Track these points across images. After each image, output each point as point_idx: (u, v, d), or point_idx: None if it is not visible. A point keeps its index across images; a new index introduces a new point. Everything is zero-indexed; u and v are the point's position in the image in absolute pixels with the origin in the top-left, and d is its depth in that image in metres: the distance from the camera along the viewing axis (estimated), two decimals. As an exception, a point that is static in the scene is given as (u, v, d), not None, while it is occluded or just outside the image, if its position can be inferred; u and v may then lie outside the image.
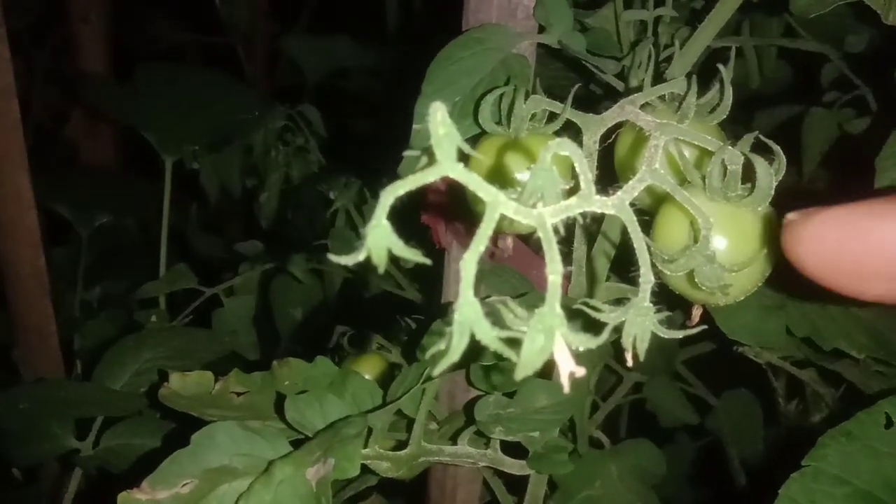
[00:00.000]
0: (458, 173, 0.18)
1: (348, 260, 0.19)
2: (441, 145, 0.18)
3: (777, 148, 0.25)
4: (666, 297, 0.29)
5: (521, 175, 0.33)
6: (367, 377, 0.43)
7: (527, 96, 0.33)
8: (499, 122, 0.34)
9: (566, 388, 0.18)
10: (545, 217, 0.19)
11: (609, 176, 0.34)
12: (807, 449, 0.35)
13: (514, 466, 0.43)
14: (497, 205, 0.18)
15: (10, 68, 0.58)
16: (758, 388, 0.68)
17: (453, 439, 0.41)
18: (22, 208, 0.61)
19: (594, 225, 0.41)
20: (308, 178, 0.82)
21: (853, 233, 0.19)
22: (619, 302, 0.42)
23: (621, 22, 0.44)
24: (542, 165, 0.20)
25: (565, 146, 0.20)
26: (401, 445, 0.39)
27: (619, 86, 0.42)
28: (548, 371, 0.46)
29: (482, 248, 0.18)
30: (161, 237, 0.72)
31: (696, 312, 0.29)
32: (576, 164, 0.20)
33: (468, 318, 0.17)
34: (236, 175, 0.84)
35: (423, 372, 0.35)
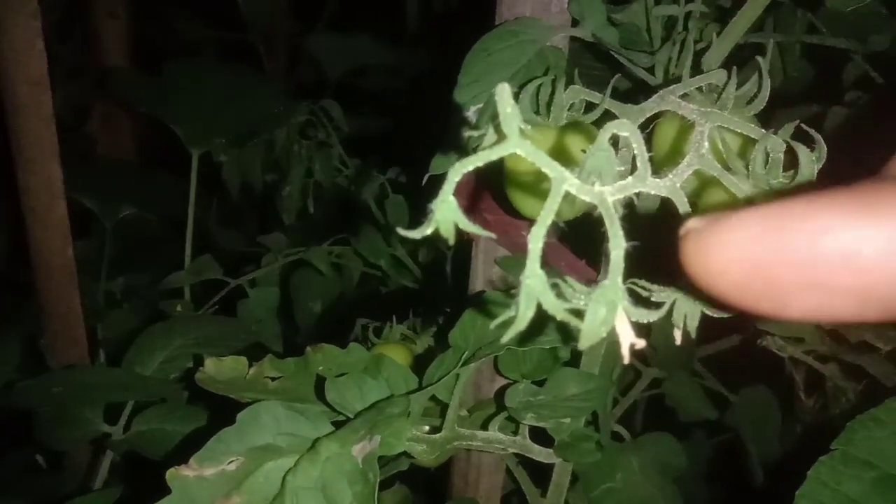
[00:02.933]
0: (526, 149, 0.18)
1: (415, 234, 0.19)
2: (508, 123, 0.18)
3: (818, 136, 0.25)
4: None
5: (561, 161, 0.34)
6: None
7: (566, 86, 0.34)
8: (537, 112, 0.35)
9: (626, 358, 0.19)
10: (606, 195, 0.19)
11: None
12: (827, 443, 0.36)
13: (542, 454, 0.44)
14: (562, 181, 0.19)
15: (44, 60, 0.60)
16: (776, 384, 0.68)
17: (483, 426, 0.42)
18: (53, 200, 0.62)
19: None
20: (329, 173, 0.83)
21: (772, 240, 0.16)
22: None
23: (651, 17, 0.45)
24: (600, 146, 0.21)
25: (624, 126, 0.20)
26: (433, 431, 0.40)
27: (651, 79, 0.43)
28: (575, 360, 0.47)
29: (549, 222, 0.18)
30: (187, 229, 0.73)
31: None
32: (633, 145, 0.21)
33: (535, 289, 0.18)
34: (258, 169, 0.85)
35: (459, 357, 0.35)
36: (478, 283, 0.50)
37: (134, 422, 0.52)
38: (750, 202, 0.24)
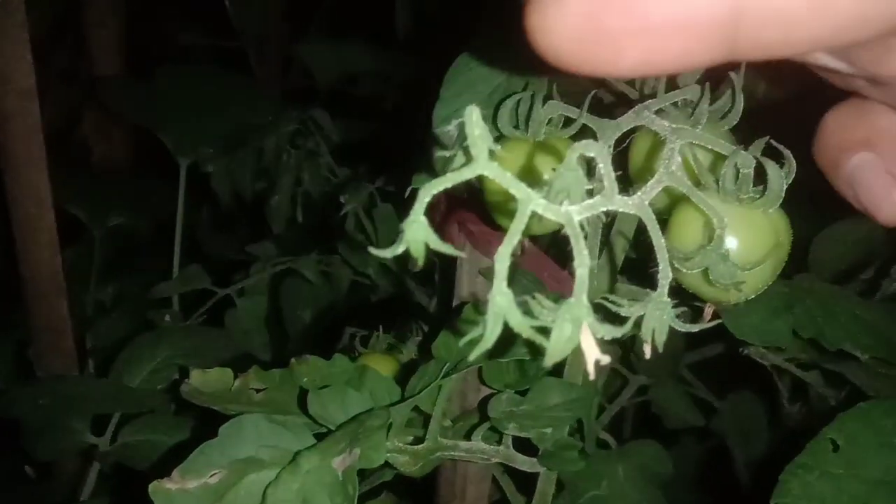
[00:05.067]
0: (493, 171, 0.19)
1: (387, 253, 0.20)
2: (476, 145, 0.19)
3: (787, 152, 0.26)
4: (680, 301, 0.31)
5: (548, 175, 0.34)
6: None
7: (544, 101, 0.34)
8: (516, 126, 0.35)
9: (592, 374, 0.19)
10: (572, 214, 0.20)
11: (621, 178, 0.35)
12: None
13: (526, 463, 0.44)
14: (528, 202, 0.19)
15: (31, 71, 0.60)
16: (762, 390, 0.69)
17: (467, 436, 0.42)
18: (41, 209, 0.62)
19: (605, 230, 0.43)
20: (319, 182, 0.83)
21: None
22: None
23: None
24: (569, 165, 0.21)
25: (591, 147, 0.21)
26: (416, 442, 0.40)
27: (631, 93, 0.43)
28: (559, 370, 0.47)
29: (515, 242, 0.19)
30: (175, 238, 0.73)
31: (708, 311, 0.30)
32: (600, 165, 0.21)
33: (502, 307, 0.18)
34: (248, 178, 0.85)
35: (441, 369, 0.36)
36: (463, 293, 0.50)
37: (121, 433, 0.52)
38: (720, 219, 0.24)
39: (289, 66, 1.20)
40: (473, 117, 0.19)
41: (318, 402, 0.34)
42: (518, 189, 0.19)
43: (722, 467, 0.73)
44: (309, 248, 0.80)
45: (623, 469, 0.56)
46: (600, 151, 0.21)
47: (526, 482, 0.51)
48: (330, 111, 0.89)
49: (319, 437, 0.33)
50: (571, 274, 0.46)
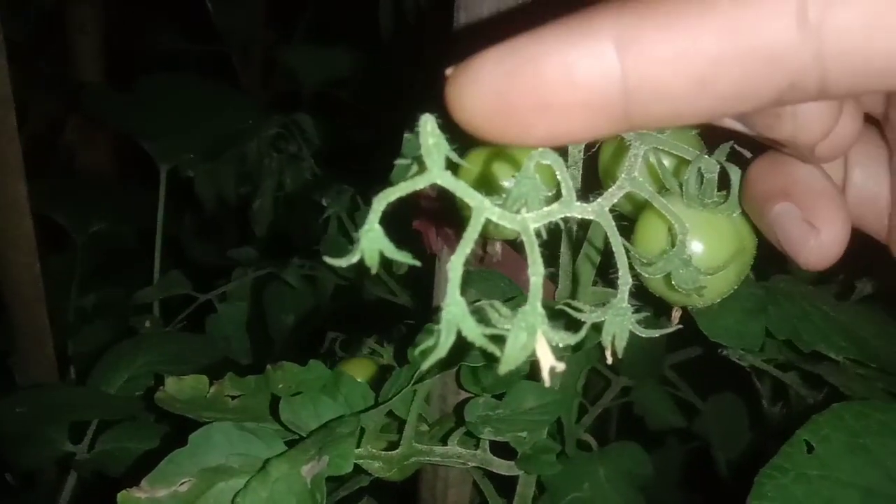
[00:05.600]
0: (446, 181, 0.19)
1: (342, 262, 0.20)
2: (430, 154, 0.19)
3: (751, 155, 0.26)
4: (651, 303, 0.31)
5: (508, 182, 0.35)
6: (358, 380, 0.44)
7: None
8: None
9: (547, 381, 0.19)
10: (528, 222, 0.20)
11: (594, 183, 0.36)
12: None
13: (503, 467, 0.44)
14: (482, 210, 0.19)
15: (7, 79, 0.59)
16: (743, 391, 0.69)
17: (444, 440, 0.42)
18: (18, 217, 0.62)
19: (581, 231, 0.43)
20: (301, 186, 0.83)
21: (504, 70, 0.18)
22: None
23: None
24: (526, 173, 0.21)
25: (547, 155, 0.21)
26: (392, 446, 0.40)
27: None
28: (536, 373, 0.47)
29: (468, 251, 0.19)
30: (156, 244, 0.73)
31: (676, 315, 0.31)
32: (556, 173, 0.21)
33: (455, 316, 0.18)
34: (231, 182, 0.85)
35: (414, 373, 0.36)
36: (440, 296, 0.50)
37: (98, 441, 0.52)
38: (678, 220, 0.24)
39: (272, 70, 1.20)
40: (428, 127, 0.19)
41: (290, 408, 0.34)
42: (472, 198, 0.19)
43: (704, 468, 0.73)
44: (292, 252, 0.80)
45: (604, 471, 0.56)
46: (556, 159, 0.21)
47: (507, 485, 0.51)
48: (314, 115, 0.89)
49: (291, 444, 0.33)
50: (550, 279, 0.47)
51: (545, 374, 0.19)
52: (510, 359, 0.19)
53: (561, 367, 0.19)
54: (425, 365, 0.18)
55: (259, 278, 0.78)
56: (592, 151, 0.33)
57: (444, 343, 0.18)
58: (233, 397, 0.41)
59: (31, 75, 1.19)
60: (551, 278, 0.48)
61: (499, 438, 0.39)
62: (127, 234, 0.92)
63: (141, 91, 0.78)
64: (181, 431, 0.44)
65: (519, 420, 0.39)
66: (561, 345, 0.19)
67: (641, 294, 0.29)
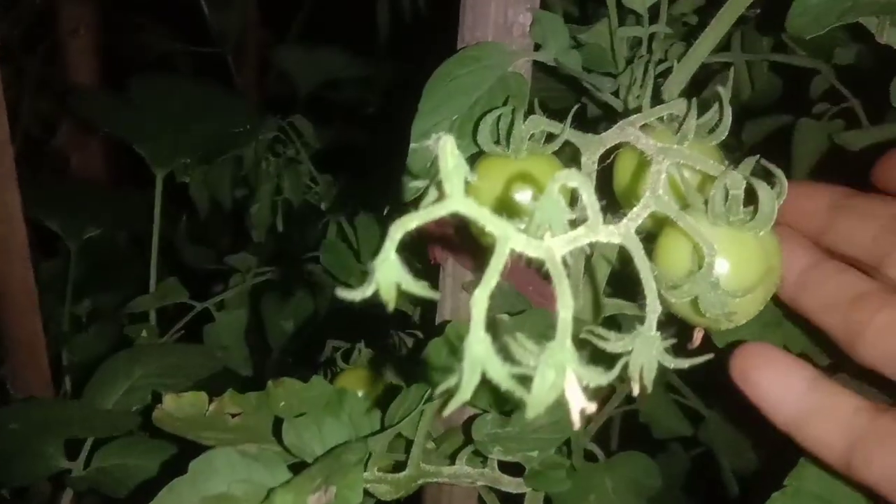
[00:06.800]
0: (469, 208, 0.17)
1: (356, 295, 0.18)
2: (450, 179, 0.17)
3: (779, 172, 0.25)
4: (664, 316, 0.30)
5: (521, 195, 0.33)
6: (360, 394, 0.43)
7: (525, 116, 0.33)
8: (497, 142, 0.34)
9: (576, 424, 0.18)
10: (554, 249, 0.19)
11: (606, 194, 0.34)
12: (797, 458, 0.36)
13: (511, 485, 0.43)
14: (507, 239, 0.18)
15: (-2, 83, 0.58)
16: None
17: (451, 458, 0.41)
18: (11, 225, 0.61)
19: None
20: (299, 190, 0.82)
21: None
22: (613, 321, 0.42)
23: (616, 38, 0.44)
24: (549, 197, 0.20)
25: (574, 177, 0.20)
26: (398, 465, 0.38)
27: (616, 103, 0.42)
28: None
29: (493, 284, 0.17)
30: (151, 251, 0.71)
31: (698, 335, 0.29)
32: (583, 195, 0.20)
33: (479, 356, 0.17)
34: (227, 186, 0.83)
35: (422, 395, 0.34)
36: (446, 309, 0.49)
37: (95, 457, 0.50)
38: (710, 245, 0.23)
39: (268, 71, 1.19)
40: (448, 149, 0.18)
41: (294, 431, 0.33)
42: (496, 226, 0.18)
43: (710, 475, 0.72)
44: (290, 257, 0.78)
45: (611, 482, 0.55)
46: (584, 182, 0.19)
47: (512, 497, 0.50)
48: (310, 116, 0.88)
49: (295, 467, 0.32)
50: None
51: (575, 417, 0.18)
52: (538, 401, 0.17)
53: (592, 408, 0.18)
54: (448, 410, 0.17)
55: (257, 284, 0.77)
56: (607, 163, 0.32)
57: (467, 385, 0.17)
58: (233, 415, 0.39)
59: (23, 75, 1.17)
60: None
61: (508, 458, 0.38)
62: (120, 239, 0.90)
63: (134, 94, 0.76)
64: (180, 448, 0.43)
65: (529, 438, 0.38)
66: (594, 384, 0.18)
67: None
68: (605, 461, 0.56)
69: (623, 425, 0.77)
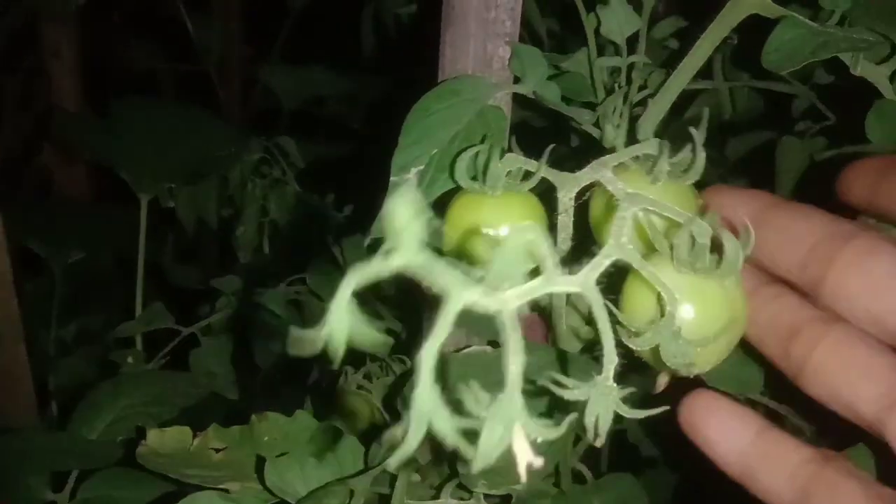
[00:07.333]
0: (422, 263, 0.17)
1: (307, 350, 0.18)
2: (401, 237, 0.17)
3: (747, 223, 0.25)
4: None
5: (495, 232, 0.33)
6: (344, 426, 0.43)
7: (502, 153, 0.34)
8: (474, 178, 0.34)
9: (523, 478, 0.18)
10: (509, 302, 0.19)
11: (585, 228, 0.35)
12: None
13: (498, 515, 0.43)
14: (460, 297, 0.18)
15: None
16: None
17: (437, 490, 0.41)
18: (-6, 252, 0.60)
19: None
20: (285, 210, 0.82)
21: None
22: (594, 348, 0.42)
23: (595, 67, 0.45)
24: (505, 252, 0.20)
25: (529, 232, 0.20)
26: (383, 499, 0.39)
27: (596, 133, 0.42)
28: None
29: (443, 337, 0.17)
30: (137, 274, 0.71)
31: (662, 381, 0.30)
32: (538, 250, 0.20)
33: (426, 409, 0.17)
34: (213, 207, 0.83)
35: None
36: (428, 329, 0.49)
37: (80, 489, 0.50)
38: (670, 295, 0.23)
39: (252, 87, 1.19)
40: (398, 210, 0.17)
41: (275, 472, 0.33)
42: (448, 280, 0.18)
43: (698, 494, 0.72)
44: (277, 279, 0.78)
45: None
46: (538, 237, 0.19)
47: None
48: (295, 132, 0.88)
49: (277, 509, 0.32)
50: (541, 317, 0.45)
51: (521, 471, 0.18)
52: (484, 455, 0.17)
53: (539, 462, 0.18)
54: (392, 464, 0.17)
55: (244, 305, 0.77)
56: (584, 199, 0.33)
57: (412, 439, 0.17)
58: (217, 450, 0.39)
59: (4, 97, 1.17)
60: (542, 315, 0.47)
61: (493, 492, 0.38)
62: (106, 260, 0.90)
63: (116, 116, 0.76)
64: (166, 481, 0.43)
65: (515, 472, 0.38)
66: (541, 439, 0.18)
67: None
68: (592, 483, 0.56)
69: (611, 445, 0.77)
